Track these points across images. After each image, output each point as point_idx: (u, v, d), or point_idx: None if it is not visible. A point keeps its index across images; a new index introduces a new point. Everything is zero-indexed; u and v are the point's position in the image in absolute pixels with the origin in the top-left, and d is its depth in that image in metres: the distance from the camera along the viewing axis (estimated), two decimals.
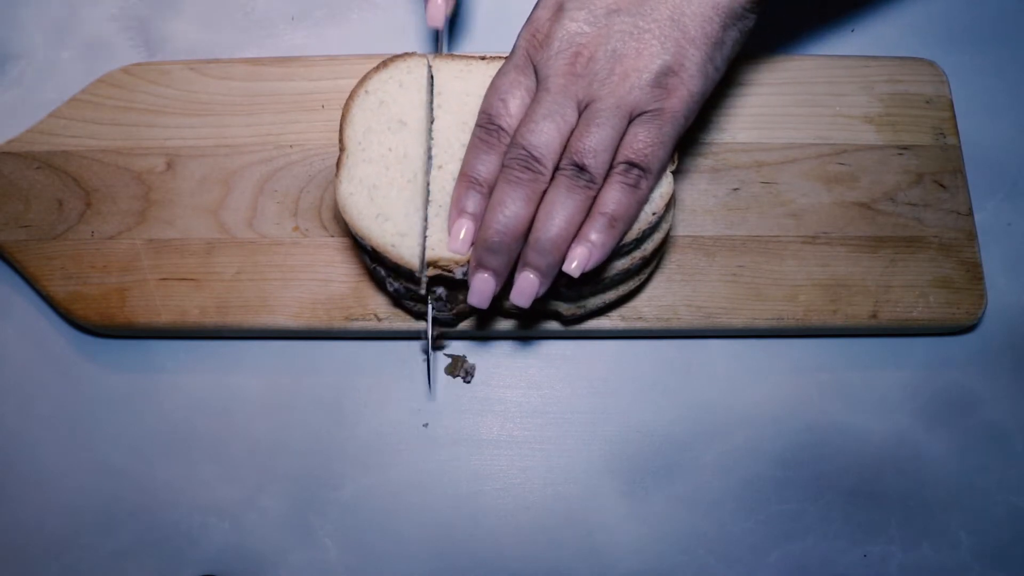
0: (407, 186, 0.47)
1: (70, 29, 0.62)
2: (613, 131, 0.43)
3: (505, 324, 0.52)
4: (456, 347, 0.54)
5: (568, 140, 0.43)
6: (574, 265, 0.44)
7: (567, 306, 0.50)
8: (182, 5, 0.62)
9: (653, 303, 0.52)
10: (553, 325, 0.52)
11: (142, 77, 0.56)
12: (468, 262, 0.45)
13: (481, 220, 0.45)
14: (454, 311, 0.50)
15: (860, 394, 0.53)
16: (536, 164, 0.43)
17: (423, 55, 0.49)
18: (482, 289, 0.45)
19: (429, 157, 0.48)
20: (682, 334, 0.53)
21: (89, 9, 0.62)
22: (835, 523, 0.51)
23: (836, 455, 0.52)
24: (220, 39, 0.61)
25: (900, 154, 0.55)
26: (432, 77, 0.49)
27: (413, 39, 0.61)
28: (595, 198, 0.44)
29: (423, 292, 0.47)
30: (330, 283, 0.52)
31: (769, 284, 0.52)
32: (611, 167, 0.43)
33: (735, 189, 0.54)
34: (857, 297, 0.52)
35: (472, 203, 0.45)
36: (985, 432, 0.52)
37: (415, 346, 0.54)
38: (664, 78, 0.43)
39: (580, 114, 0.43)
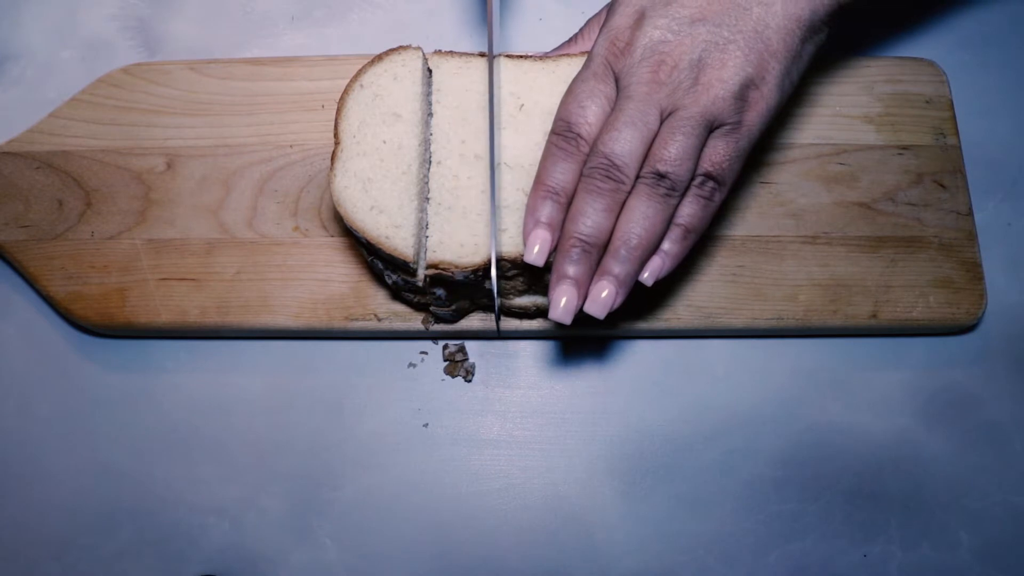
0: (401, 178, 0.47)
1: (70, 29, 0.62)
2: (696, 140, 0.42)
3: (505, 324, 0.52)
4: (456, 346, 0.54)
5: (650, 148, 0.42)
6: (647, 274, 0.43)
7: None
8: (182, 5, 0.62)
9: (653, 303, 0.52)
10: (553, 325, 0.52)
11: (142, 77, 0.56)
12: (467, 265, 0.45)
13: (558, 230, 0.44)
14: (453, 307, 0.50)
15: (860, 394, 0.53)
16: (617, 173, 0.42)
17: (417, 48, 0.49)
18: (566, 301, 0.43)
19: (428, 153, 0.48)
20: (682, 334, 0.53)
21: (89, 9, 0.62)
22: (835, 523, 0.51)
23: (836, 455, 0.52)
24: (220, 39, 0.61)
25: (900, 154, 0.55)
26: (429, 71, 0.49)
27: (413, 39, 0.61)
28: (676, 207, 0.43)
29: (419, 284, 0.47)
30: (330, 283, 0.52)
31: (769, 284, 0.52)
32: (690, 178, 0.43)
33: (735, 189, 0.54)
34: (857, 297, 0.52)
35: (548, 212, 0.43)
36: (985, 432, 0.52)
37: (415, 346, 0.54)
38: (746, 91, 0.42)
39: (661, 122, 0.42)
